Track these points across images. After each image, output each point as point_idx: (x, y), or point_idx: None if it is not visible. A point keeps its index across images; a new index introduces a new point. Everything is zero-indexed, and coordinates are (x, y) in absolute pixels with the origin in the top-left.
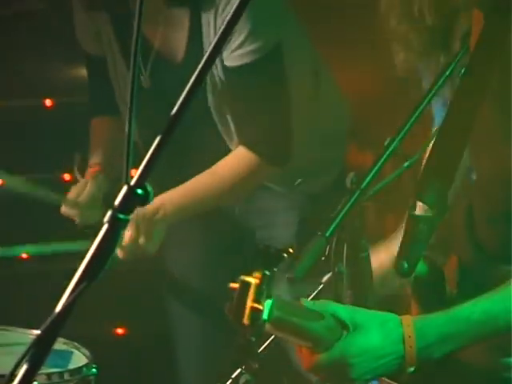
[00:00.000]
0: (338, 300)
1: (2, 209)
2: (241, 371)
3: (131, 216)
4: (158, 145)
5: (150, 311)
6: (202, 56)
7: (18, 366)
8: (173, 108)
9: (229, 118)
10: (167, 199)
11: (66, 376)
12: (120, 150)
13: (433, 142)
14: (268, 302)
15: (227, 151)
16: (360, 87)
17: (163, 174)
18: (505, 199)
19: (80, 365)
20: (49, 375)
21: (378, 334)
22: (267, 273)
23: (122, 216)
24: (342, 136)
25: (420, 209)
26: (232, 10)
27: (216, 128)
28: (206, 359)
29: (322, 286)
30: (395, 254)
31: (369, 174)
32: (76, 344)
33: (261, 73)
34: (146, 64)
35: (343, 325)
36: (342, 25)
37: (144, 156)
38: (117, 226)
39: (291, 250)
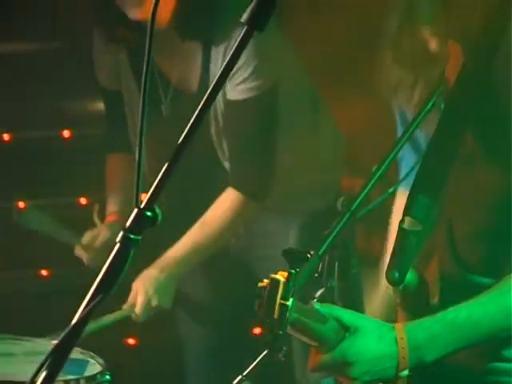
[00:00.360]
0: None
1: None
2: (241, 378)
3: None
4: (166, 170)
5: (161, 322)
6: None
7: (37, 372)
8: (180, 137)
9: (225, 148)
10: (171, 257)
11: (82, 382)
12: None
13: (421, 162)
14: (291, 300)
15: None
16: (351, 121)
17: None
18: (483, 219)
19: (95, 372)
20: (66, 382)
21: (374, 336)
22: (293, 272)
23: (132, 236)
24: (339, 161)
25: (410, 223)
26: (234, 46)
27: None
28: (216, 370)
29: (315, 300)
30: None
31: (358, 198)
32: (92, 353)
33: (257, 109)
34: (167, 93)
35: (345, 328)
36: (333, 63)
37: (152, 181)
38: (128, 246)
39: (312, 253)
